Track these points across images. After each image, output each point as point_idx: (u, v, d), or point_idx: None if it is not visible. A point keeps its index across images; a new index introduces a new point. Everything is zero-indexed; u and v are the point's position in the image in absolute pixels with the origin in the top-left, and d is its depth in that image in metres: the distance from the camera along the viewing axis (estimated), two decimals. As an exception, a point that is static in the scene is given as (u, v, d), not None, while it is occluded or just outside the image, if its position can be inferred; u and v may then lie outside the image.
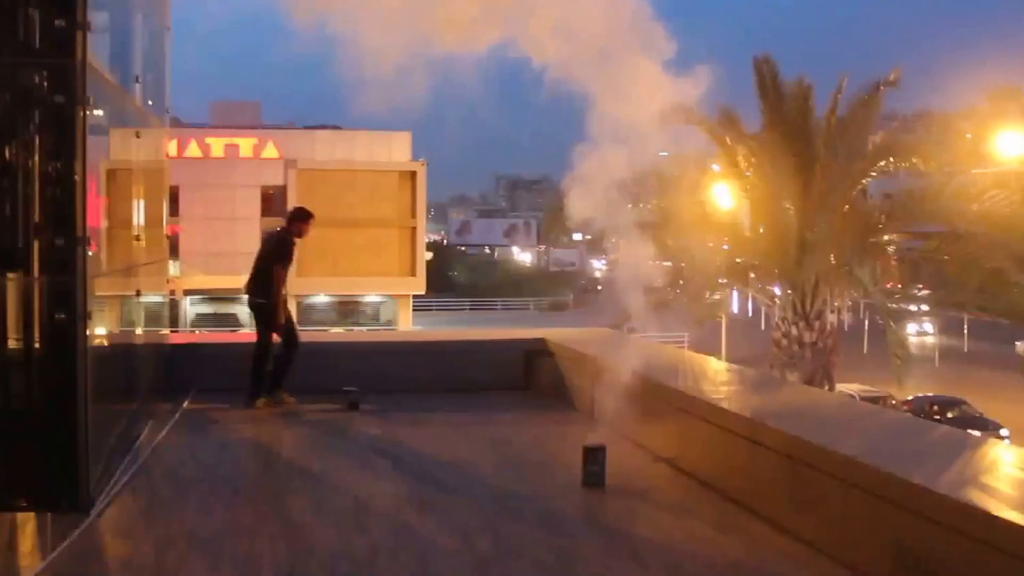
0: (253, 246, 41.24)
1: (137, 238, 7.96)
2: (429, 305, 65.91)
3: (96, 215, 6.32)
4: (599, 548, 5.63)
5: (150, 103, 8.71)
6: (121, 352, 7.65)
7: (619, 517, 6.26)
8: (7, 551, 5.48)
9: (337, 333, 32.84)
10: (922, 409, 34.05)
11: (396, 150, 47.84)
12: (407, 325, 46.58)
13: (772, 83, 21.51)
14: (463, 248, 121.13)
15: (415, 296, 48.37)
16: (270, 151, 46.41)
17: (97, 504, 6.05)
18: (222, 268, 41.91)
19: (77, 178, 5.83)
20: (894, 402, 36.32)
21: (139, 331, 8.38)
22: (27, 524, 5.82)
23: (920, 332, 50.12)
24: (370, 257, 45.84)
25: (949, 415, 34.11)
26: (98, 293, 6.36)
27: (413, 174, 47.24)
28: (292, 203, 45.67)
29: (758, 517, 5.92)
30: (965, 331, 54.52)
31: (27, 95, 5.86)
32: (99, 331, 6.57)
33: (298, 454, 7.90)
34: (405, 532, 5.83)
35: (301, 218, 9.95)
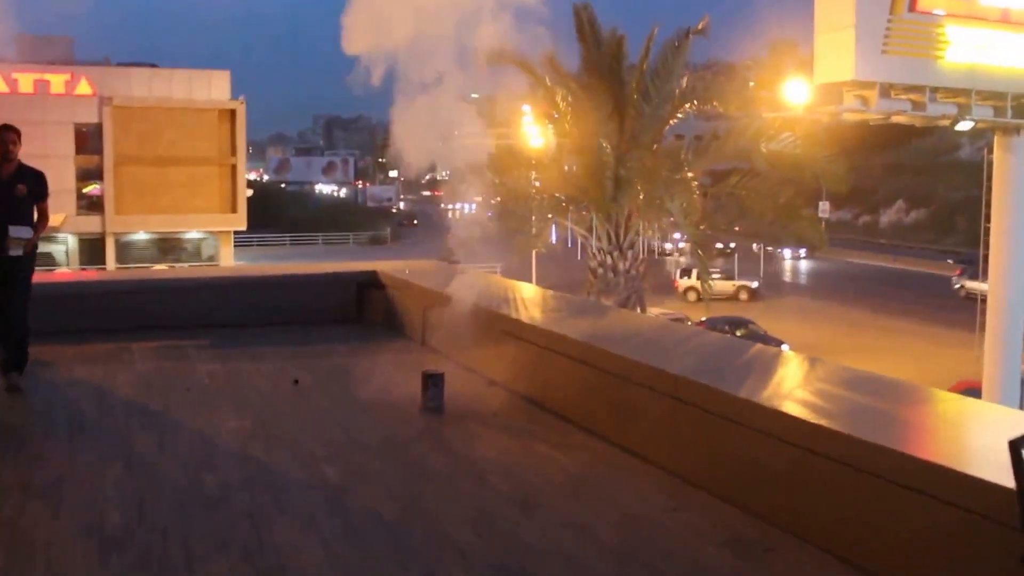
0: (67, 184, 38.56)
1: None
2: (250, 240, 64.25)
3: None
4: (445, 470, 5.57)
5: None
6: None
7: (461, 440, 6.18)
8: None
9: (160, 270, 31.47)
10: (716, 328, 35.98)
11: (215, 89, 45.81)
12: (228, 261, 45.16)
13: (590, 29, 21.81)
14: (283, 185, 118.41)
15: (236, 232, 46.87)
16: (83, 88, 43.46)
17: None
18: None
19: None
20: (690, 322, 38.24)
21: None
22: None
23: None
24: (190, 195, 44.01)
25: (738, 333, 36.43)
26: None
27: (232, 112, 45.45)
28: (108, 141, 43.26)
29: (592, 434, 5.99)
30: (762, 261, 58.35)
31: None
32: None
33: (137, 393, 7.44)
34: (254, 466, 5.55)
35: None
